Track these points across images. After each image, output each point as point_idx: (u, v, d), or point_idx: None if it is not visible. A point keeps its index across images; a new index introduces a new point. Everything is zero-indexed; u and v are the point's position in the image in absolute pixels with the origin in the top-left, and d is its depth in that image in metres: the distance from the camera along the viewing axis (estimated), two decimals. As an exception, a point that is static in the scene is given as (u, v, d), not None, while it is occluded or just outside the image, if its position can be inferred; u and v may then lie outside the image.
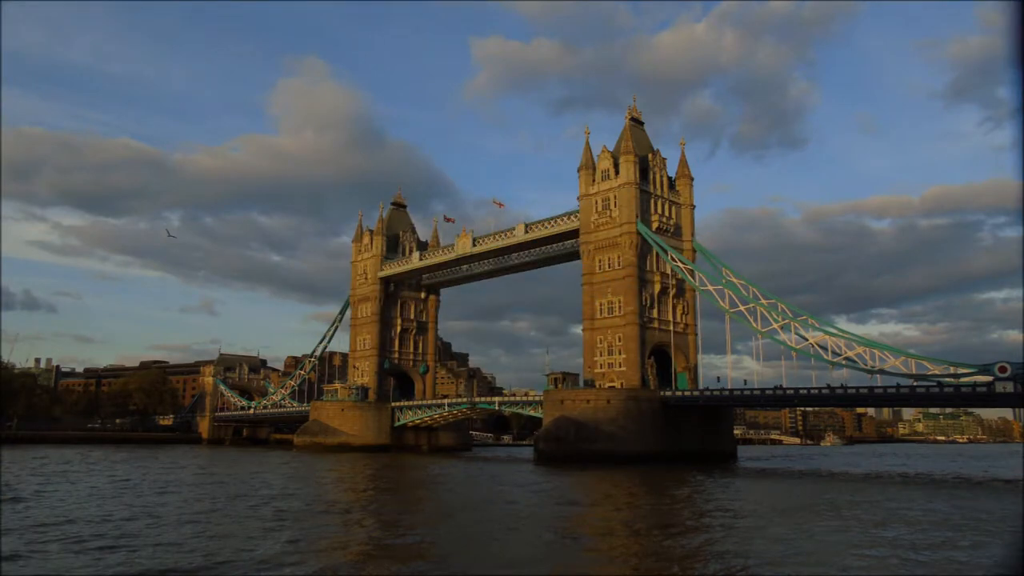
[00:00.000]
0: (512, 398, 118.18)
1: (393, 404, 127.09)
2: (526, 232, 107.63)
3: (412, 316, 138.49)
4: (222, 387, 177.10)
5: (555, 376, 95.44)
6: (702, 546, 25.53)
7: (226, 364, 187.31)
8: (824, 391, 77.41)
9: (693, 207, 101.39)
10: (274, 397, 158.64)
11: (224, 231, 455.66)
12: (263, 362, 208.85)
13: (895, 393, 74.06)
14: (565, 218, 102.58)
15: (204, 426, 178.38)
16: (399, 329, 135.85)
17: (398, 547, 25.11)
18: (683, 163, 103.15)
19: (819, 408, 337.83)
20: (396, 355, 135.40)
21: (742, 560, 22.60)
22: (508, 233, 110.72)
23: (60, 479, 52.74)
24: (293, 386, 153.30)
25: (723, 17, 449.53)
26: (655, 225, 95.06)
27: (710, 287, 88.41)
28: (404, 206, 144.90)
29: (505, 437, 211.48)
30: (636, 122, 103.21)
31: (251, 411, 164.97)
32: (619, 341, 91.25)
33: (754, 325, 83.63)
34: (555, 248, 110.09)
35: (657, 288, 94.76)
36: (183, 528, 28.40)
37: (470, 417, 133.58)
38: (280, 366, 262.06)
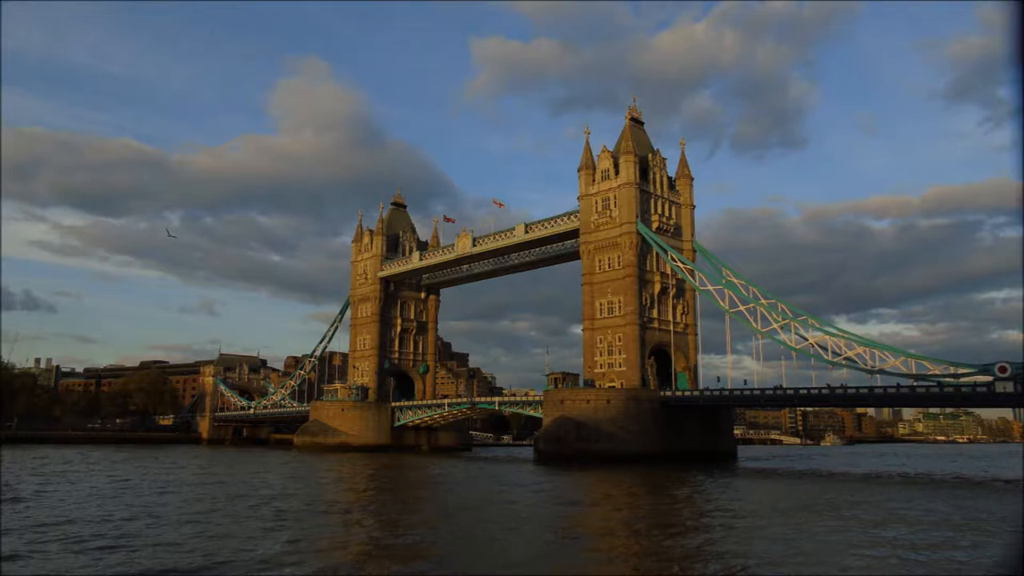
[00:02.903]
0: (512, 398, 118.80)
1: (393, 404, 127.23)
2: (526, 232, 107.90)
3: (412, 316, 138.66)
4: (222, 387, 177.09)
5: (555, 376, 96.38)
6: (702, 546, 25.53)
7: (226, 364, 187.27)
8: (824, 391, 77.48)
9: (693, 207, 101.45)
10: (274, 397, 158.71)
11: (224, 231, 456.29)
12: (263, 362, 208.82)
13: (895, 393, 74.12)
14: (565, 218, 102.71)
15: (204, 426, 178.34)
16: (399, 329, 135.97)
17: (398, 547, 25.12)
18: (683, 163, 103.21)
19: (819, 408, 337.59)
20: (396, 355, 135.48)
21: (742, 560, 22.60)
22: (508, 233, 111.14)
23: (60, 479, 52.75)
24: (293, 386, 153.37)
25: (723, 17, 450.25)
26: (655, 225, 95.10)
27: (710, 287, 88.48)
28: (404, 206, 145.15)
29: (505, 437, 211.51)
30: (636, 122, 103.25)
31: (251, 411, 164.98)
32: (619, 341, 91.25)
33: (754, 325, 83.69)
34: (555, 248, 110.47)
35: (657, 288, 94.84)
36: (183, 528, 28.40)
37: (470, 417, 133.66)
38: (280, 366, 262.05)
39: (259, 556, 22.27)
